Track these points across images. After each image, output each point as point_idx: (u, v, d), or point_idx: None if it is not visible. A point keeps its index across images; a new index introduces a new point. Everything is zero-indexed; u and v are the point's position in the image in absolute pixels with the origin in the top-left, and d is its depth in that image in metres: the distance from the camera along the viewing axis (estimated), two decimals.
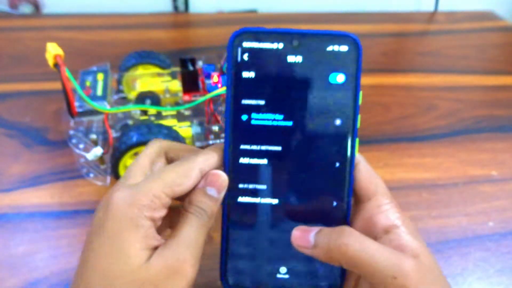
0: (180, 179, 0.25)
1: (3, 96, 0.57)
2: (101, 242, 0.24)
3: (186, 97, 0.46)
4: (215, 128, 0.43)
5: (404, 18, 0.88)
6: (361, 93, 0.26)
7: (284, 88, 0.26)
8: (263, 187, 0.27)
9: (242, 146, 0.27)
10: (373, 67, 0.69)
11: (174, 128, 0.42)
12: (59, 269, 0.36)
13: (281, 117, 0.27)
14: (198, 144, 0.43)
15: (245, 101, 0.27)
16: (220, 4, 1.02)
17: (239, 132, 0.27)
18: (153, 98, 0.46)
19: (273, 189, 0.27)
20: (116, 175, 0.41)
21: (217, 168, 0.27)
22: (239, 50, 0.26)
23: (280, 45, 0.26)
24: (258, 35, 0.26)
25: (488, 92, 0.64)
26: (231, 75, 0.26)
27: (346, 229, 0.25)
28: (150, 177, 0.25)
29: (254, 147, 0.27)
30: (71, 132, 0.42)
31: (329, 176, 0.27)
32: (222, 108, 0.47)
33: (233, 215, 0.28)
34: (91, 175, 0.42)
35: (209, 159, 0.27)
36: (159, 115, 0.45)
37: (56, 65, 0.37)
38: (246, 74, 0.26)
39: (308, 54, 0.26)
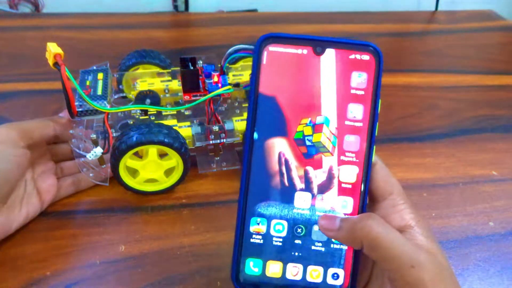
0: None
1: (3, 96, 0.57)
2: None
3: (186, 97, 0.46)
4: (216, 128, 0.43)
5: (404, 18, 0.88)
6: (380, 101, 0.27)
7: (306, 92, 0.27)
8: (280, 197, 0.28)
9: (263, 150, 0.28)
10: None
11: (174, 128, 0.42)
12: (59, 269, 0.36)
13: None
14: (198, 144, 0.43)
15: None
16: (220, 4, 1.02)
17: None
18: (153, 97, 0.46)
19: (289, 197, 0.28)
20: (116, 175, 0.41)
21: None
22: (265, 53, 0.27)
23: (305, 51, 0.27)
24: (284, 40, 0.27)
25: (488, 92, 0.64)
26: (256, 77, 0.27)
27: (371, 213, 0.26)
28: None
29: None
30: (71, 131, 0.42)
31: None
32: (222, 108, 0.47)
33: (248, 219, 0.28)
34: (91, 175, 0.42)
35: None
36: (159, 115, 0.45)
37: (56, 64, 0.37)
38: (270, 76, 0.27)
39: (331, 61, 0.27)
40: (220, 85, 0.45)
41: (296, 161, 0.28)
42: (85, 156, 0.40)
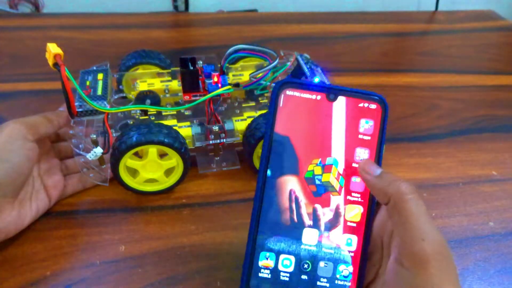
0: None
1: (3, 96, 0.57)
2: None
3: (186, 97, 0.46)
4: (215, 128, 0.43)
5: (404, 18, 0.88)
6: (384, 146, 0.29)
7: (318, 134, 0.29)
8: (289, 233, 0.29)
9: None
10: (373, 67, 0.69)
11: (174, 128, 0.42)
12: (59, 269, 0.36)
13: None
14: (198, 144, 0.43)
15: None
16: (220, 4, 1.02)
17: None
18: (153, 98, 0.46)
19: (298, 233, 0.29)
20: (116, 175, 0.41)
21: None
22: (282, 96, 0.29)
23: (319, 97, 0.29)
24: (300, 86, 0.29)
25: (488, 92, 0.64)
26: (273, 117, 0.29)
27: (411, 183, 0.27)
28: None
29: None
30: (71, 132, 0.42)
31: None
32: (222, 108, 0.47)
33: (257, 253, 0.28)
34: (91, 175, 0.42)
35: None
36: (159, 115, 0.45)
37: (55, 64, 0.37)
38: (286, 118, 0.29)
39: (342, 108, 0.29)
40: (220, 85, 0.45)
41: (305, 198, 0.29)
42: (85, 156, 0.40)
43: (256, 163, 0.43)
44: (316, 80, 0.44)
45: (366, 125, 0.29)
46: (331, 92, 0.29)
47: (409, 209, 0.25)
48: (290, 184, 0.29)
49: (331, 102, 0.29)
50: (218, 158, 0.45)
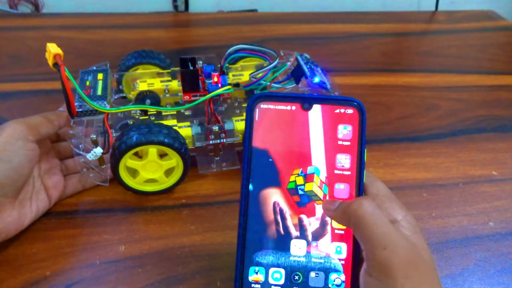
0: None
1: (3, 96, 0.57)
2: None
3: (186, 97, 0.46)
4: (215, 128, 0.43)
5: (404, 18, 0.88)
6: (365, 150, 0.29)
7: (296, 144, 0.29)
8: (277, 245, 0.28)
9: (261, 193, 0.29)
10: (373, 67, 0.69)
11: (174, 128, 0.42)
12: (59, 269, 0.36)
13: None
14: (198, 144, 0.43)
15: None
16: (220, 4, 1.02)
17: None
18: (153, 98, 0.46)
19: (285, 245, 0.29)
20: (116, 175, 0.41)
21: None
22: (257, 110, 0.29)
23: (293, 107, 0.29)
24: (274, 98, 0.29)
25: (488, 92, 0.64)
26: (250, 132, 0.29)
27: (367, 196, 0.27)
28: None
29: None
30: (71, 132, 0.42)
31: None
32: (222, 108, 0.47)
33: (246, 268, 0.28)
34: (91, 175, 0.42)
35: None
36: (159, 115, 0.45)
37: (55, 64, 0.37)
38: (263, 131, 0.29)
39: (318, 116, 0.29)
40: (220, 85, 0.45)
41: (290, 210, 0.29)
42: (85, 156, 0.40)
43: None
44: (316, 80, 0.44)
45: (344, 131, 0.29)
46: (305, 101, 0.29)
47: (367, 220, 0.25)
48: (273, 196, 0.29)
49: (307, 111, 0.29)
50: (218, 158, 0.45)
